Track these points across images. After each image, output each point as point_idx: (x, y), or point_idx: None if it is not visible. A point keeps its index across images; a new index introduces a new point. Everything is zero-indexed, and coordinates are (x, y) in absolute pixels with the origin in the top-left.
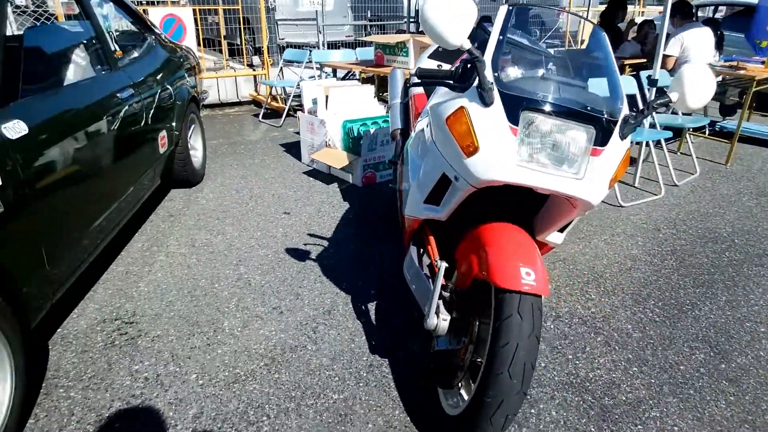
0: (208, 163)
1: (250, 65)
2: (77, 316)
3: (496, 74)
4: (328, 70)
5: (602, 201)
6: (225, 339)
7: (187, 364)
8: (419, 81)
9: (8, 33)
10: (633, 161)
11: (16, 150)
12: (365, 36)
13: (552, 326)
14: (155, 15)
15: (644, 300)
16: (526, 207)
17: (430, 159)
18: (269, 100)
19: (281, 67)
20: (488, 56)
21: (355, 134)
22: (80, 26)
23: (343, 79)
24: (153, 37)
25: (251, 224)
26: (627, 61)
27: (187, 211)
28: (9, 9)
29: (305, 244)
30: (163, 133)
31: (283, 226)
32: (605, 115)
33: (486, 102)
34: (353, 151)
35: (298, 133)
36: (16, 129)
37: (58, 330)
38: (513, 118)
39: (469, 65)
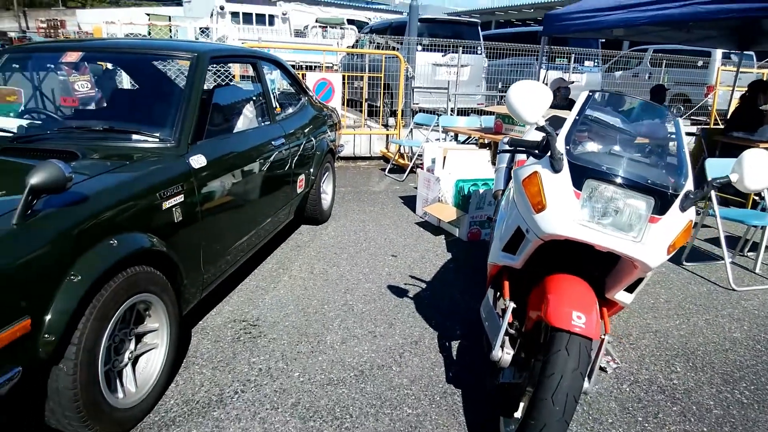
0: (334, 206)
1: (385, 125)
2: (215, 314)
3: (567, 147)
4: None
5: (711, 282)
6: (325, 349)
7: (293, 364)
8: (509, 148)
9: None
10: (755, 246)
11: (197, 177)
12: (492, 105)
13: (627, 389)
14: (311, 78)
15: (735, 381)
16: (597, 266)
17: (510, 214)
18: (396, 157)
19: (411, 129)
20: (563, 132)
21: (466, 193)
22: (252, 86)
23: (464, 142)
24: (306, 97)
25: (362, 261)
26: (762, 145)
27: (312, 244)
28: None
29: (405, 284)
30: (302, 176)
31: (389, 266)
32: (663, 188)
33: (555, 169)
34: (462, 208)
35: (416, 187)
36: (198, 161)
37: (200, 322)
38: (578, 184)
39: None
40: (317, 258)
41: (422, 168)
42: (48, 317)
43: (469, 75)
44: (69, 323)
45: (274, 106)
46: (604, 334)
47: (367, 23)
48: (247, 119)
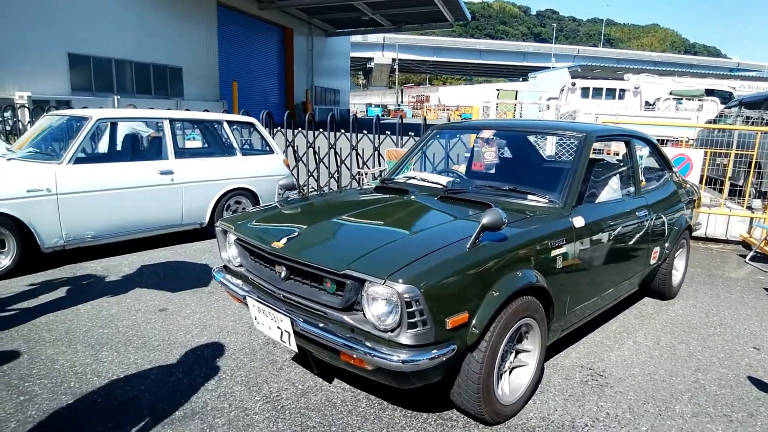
0: (683, 285)
1: (749, 207)
2: (563, 356)
3: None
4: None
5: None
6: (674, 416)
7: (640, 419)
8: None
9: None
10: None
11: (576, 234)
12: None
13: None
14: (669, 153)
15: None
16: None
17: None
18: (761, 244)
19: None
20: None
21: None
22: (622, 160)
23: None
24: (670, 173)
25: (715, 345)
26: None
27: (656, 316)
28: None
29: None
30: (657, 248)
31: (749, 358)
32: None
33: None
34: None
35: None
36: (578, 222)
37: (551, 359)
38: None
39: None
40: (663, 331)
41: None
42: (477, 315)
43: None
44: (486, 324)
45: (641, 179)
46: None
47: (730, 93)
48: (615, 190)
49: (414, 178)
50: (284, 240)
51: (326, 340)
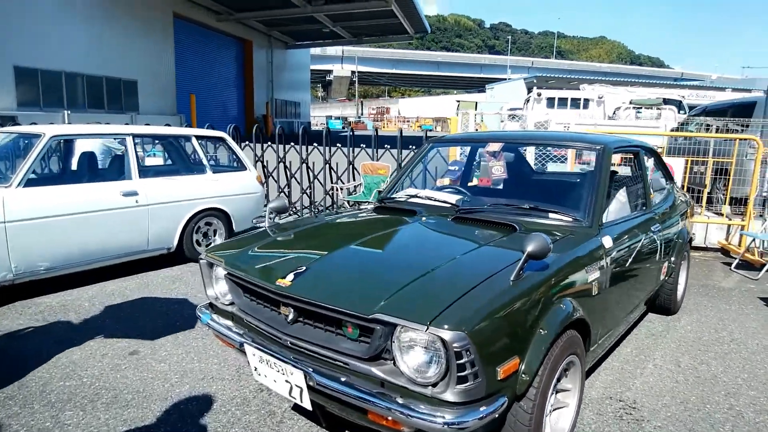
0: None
1: (720, 214)
2: (588, 386)
3: None
4: None
5: None
6: None
7: None
8: None
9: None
10: None
11: (606, 255)
12: None
13: None
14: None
15: None
16: None
17: None
18: (745, 252)
19: (767, 221)
20: None
21: None
22: (632, 174)
23: None
24: (671, 185)
25: (735, 365)
26: None
27: (667, 335)
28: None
29: None
30: (666, 263)
31: None
32: None
33: None
34: None
35: None
36: (607, 242)
37: None
38: None
39: None
40: (679, 351)
41: None
42: (526, 359)
43: None
44: (537, 369)
45: (650, 193)
46: None
47: (680, 101)
48: (630, 204)
49: (417, 196)
50: (291, 276)
51: (351, 397)
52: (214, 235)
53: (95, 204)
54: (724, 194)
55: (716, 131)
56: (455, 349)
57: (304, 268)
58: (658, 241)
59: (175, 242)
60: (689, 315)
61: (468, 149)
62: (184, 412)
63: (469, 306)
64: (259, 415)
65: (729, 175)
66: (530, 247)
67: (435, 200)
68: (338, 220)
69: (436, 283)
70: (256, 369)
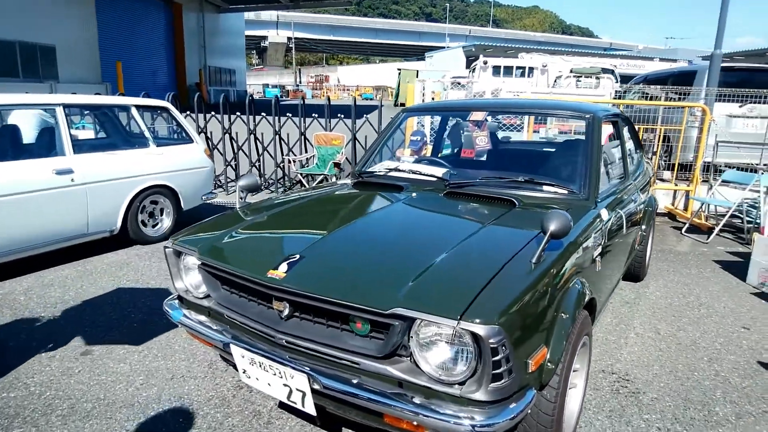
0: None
1: (661, 179)
2: None
3: None
4: None
5: None
6: (721, 421)
7: (691, 430)
8: None
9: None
10: None
11: (604, 228)
12: None
13: None
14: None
15: None
16: None
17: None
18: (694, 217)
19: (713, 186)
20: None
21: None
22: (611, 143)
23: None
24: (641, 153)
25: (709, 329)
26: None
27: (640, 302)
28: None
29: None
30: (638, 230)
31: (746, 340)
32: None
33: None
34: None
35: (732, 252)
36: (604, 214)
37: None
38: None
39: None
40: (655, 318)
41: (761, 233)
42: (551, 347)
43: None
44: (560, 355)
45: (629, 162)
46: None
47: (612, 70)
48: (613, 174)
49: (398, 169)
50: (284, 266)
51: (365, 400)
52: (161, 215)
53: (24, 185)
54: (665, 160)
55: (666, 100)
56: (491, 345)
57: (298, 256)
58: (638, 210)
59: (119, 224)
60: (656, 281)
61: (424, 119)
62: (156, 420)
63: (496, 296)
64: (243, 416)
65: (679, 143)
66: (553, 226)
67: (420, 174)
68: (319, 199)
69: (453, 271)
70: (245, 372)
